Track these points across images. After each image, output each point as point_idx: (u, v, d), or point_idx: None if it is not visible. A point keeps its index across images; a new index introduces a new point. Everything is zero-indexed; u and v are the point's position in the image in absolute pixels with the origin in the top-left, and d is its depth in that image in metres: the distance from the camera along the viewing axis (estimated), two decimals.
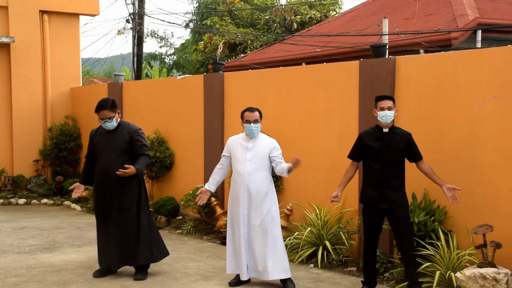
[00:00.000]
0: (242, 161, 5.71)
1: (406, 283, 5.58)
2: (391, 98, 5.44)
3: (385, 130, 5.41)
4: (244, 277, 5.74)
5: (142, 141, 6.11)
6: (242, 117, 5.79)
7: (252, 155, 5.70)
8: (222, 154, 5.97)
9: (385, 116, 5.35)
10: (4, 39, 11.82)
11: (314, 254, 6.70)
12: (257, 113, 5.75)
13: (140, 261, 6.09)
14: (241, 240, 5.70)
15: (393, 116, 5.40)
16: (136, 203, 6.10)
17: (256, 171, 5.67)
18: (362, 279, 5.71)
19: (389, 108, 5.36)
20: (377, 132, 5.44)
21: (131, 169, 5.93)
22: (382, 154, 5.35)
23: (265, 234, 5.65)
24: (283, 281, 5.76)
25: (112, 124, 6.08)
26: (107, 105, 6.01)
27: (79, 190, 6.30)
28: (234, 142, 5.84)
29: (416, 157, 5.46)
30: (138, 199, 6.13)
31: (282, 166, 5.65)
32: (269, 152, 5.72)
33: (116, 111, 6.09)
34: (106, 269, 6.19)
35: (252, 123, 5.71)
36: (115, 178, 5.99)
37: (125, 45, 58.73)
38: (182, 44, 28.69)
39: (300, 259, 6.68)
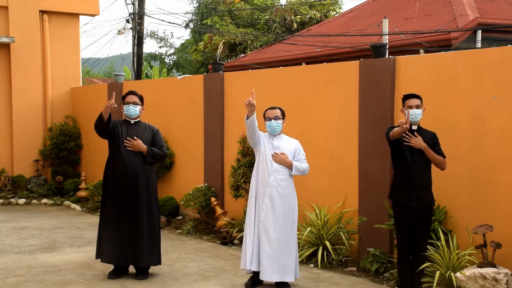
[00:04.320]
0: (268, 158, 5.74)
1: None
2: (418, 96, 5.45)
3: (414, 127, 5.41)
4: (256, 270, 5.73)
5: (162, 142, 6.32)
6: (264, 115, 5.87)
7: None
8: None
9: (414, 114, 5.36)
10: (4, 39, 11.82)
11: (314, 254, 6.71)
12: (278, 110, 5.83)
13: (152, 262, 6.12)
14: (256, 237, 5.70)
15: (421, 114, 5.40)
16: (155, 203, 6.19)
17: (281, 169, 5.71)
18: (399, 283, 5.61)
19: (417, 107, 5.39)
20: (407, 131, 5.38)
21: (139, 142, 6.02)
22: (414, 152, 5.35)
23: (284, 235, 5.65)
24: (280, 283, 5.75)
25: (135, 111, 6.19)
26: (136, 93, 6.29)
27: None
28: (265, 136, 5.89)
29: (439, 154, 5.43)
30: (156, 199, 6.23)
31: None
32: (294, 151, 5.81)
33: (142, 105, 6.30)
34: (118, 268, 6.14)
35: (272, 120, 5.77)
36: (138, 175, 6.05)
37: (125, 45, 58.83)
38: (182, 44, 28.70)
39: (300, 259, 6.65)
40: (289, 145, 5.83)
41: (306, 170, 5.82)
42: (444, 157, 5.45)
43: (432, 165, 5.45)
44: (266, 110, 5.89)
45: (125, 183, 6.03)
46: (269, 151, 5.77)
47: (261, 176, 5.76)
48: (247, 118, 5.63)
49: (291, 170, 5.73)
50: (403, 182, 5.38)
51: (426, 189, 5.38)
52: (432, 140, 5.43)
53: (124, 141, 6.05)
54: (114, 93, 6.39)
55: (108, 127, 6.05)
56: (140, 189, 6.06)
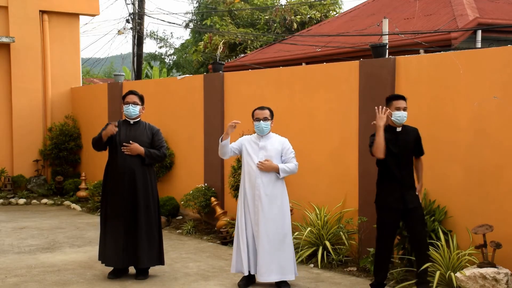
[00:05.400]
0: (255, 160, 5.71)
1: (413, 281, 5.56)
2: (405, 98, 5.46)
3: (399, 129, 5.42)
4: (251, 272, 5.73)
5: (162, 143, 6.28)
6: (252, 115, 5.81)
7: (264, 154, 5.70)
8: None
9: (401, 116, 5.36)
10: (4, 39, 11.82)
11: (314, 254, 6.71)
12: (267, 111, 5.77)
13: (152, 263, 6.11)
14: (248, 239, 5.69)
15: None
16: (154, 203, 6.17)
17: (266, 171, 5.66)
18: (371, 282, 5.66)
19: (404, 109, 5.39)
20: (391, 133, 5.39)
21: (135, 145, 6.00)
22: (398, 154, 5.34)
23: (277, 235, 5.64)
24: (279, 283, 5.74)
25: (134, 111, 6.15)
26: (136, 92, 6.25)
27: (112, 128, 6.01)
28: (248, 140, 5.84)
29: (420, 152, 5.53)
30: (156, 199, 6.20)
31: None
32: (281, 151, 5.75)
33: (142, 105, 6.27)
34: (118, 269, 6.14)
35: (261, 121, 5.72)
36: (136, 175, 6.03)
37: (125, 45, 58.86)
38: (182, 44, 28.72)
39: (300, 259, 6.67)
40: (275, 144, 5.77)
41: (294, 169, 5.74)
42: (423, 153, 5.54)
43: (425, 165, 5.52)
44: (255, 110, 5.80)
45: (124, 184, 6.02)
46: (254, 152, 5.72)
47: (248, 180, 5.73)
48: (222, 140, 5.69)
49: (279, 174, 5.68)
50: (391, 188, 5.36)
51: (411, 190, 5.39)
52: (416, 138, 5.47)
53: (122, 147, 6.04)
54: (116, 122, 6.20)
55: (106, 145, 6.13)
56: (138, 190, 6.04)
